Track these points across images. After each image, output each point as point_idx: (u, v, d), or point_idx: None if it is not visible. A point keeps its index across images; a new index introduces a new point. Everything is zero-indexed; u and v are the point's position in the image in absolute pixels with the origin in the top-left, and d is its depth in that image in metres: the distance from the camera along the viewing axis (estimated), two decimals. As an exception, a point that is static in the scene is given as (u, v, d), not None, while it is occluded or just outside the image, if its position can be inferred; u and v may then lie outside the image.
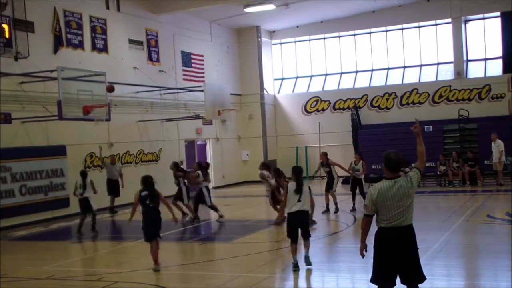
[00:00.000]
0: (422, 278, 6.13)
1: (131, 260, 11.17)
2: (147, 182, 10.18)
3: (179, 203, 15.51)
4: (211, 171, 20.53)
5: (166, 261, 10.82)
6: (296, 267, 9.33)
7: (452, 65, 26.69)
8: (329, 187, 16.02)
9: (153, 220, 10.10)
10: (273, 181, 14.41)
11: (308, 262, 9.50)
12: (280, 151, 29.78)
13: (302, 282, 9.27)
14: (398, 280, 6.13)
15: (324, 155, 16.39)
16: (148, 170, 21.64)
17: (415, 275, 6.10)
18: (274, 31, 30.22)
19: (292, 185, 9.46)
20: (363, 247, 6.27)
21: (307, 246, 9.60)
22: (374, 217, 6.18)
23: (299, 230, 9.50)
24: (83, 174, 14.67)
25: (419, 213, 14.87)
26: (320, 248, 11.22)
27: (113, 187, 18.57)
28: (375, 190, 6.07)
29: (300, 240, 9.61)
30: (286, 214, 9.70)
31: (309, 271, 9.40)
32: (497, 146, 20.90)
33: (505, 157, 21.13)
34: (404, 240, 6.05)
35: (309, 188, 9.66)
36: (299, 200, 9.34)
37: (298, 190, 9.34)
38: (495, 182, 21.17)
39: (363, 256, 6.29)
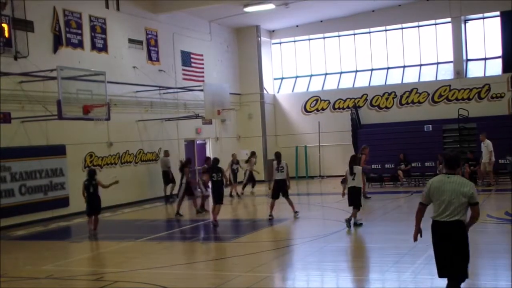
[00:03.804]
0: (464, 276, 6.35)
1: (131, 260, 11.15)
2: (90, 174, 13.95)
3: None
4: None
5: (166, 261, 10.82)
6: (348, 223, 13.02)
7: (451, 64, 26.68)
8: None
9: (93, 202, 13.81)
10: None
11: (348, 225, 12.97)
12: (280, 151, 29.61)
13: (302, 281, 9.29)
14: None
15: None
16: (148, 169, 21.72)
17: (458, 271, 6.30)
18: (273, 31, 30.22)
19: (348, 170, 13.43)
20: (417, 232, 6.68)
21: (354, 214, 13.11)
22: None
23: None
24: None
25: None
26: (319, 248, 11.22)
27: (169, 177, 21.09)
28: (430, 182, 6.53)
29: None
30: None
31: (308, 273, 9.41)
32: (486, 147, 20.46)
33: (504, 157, 21.02)
34: (451, 235, 6.29)
35: (362, 170, 13.66)
36: (353, 179, 13.24)
37: (351, 173, 13.27)
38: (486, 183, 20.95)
39: (415, 239, 6.70)
